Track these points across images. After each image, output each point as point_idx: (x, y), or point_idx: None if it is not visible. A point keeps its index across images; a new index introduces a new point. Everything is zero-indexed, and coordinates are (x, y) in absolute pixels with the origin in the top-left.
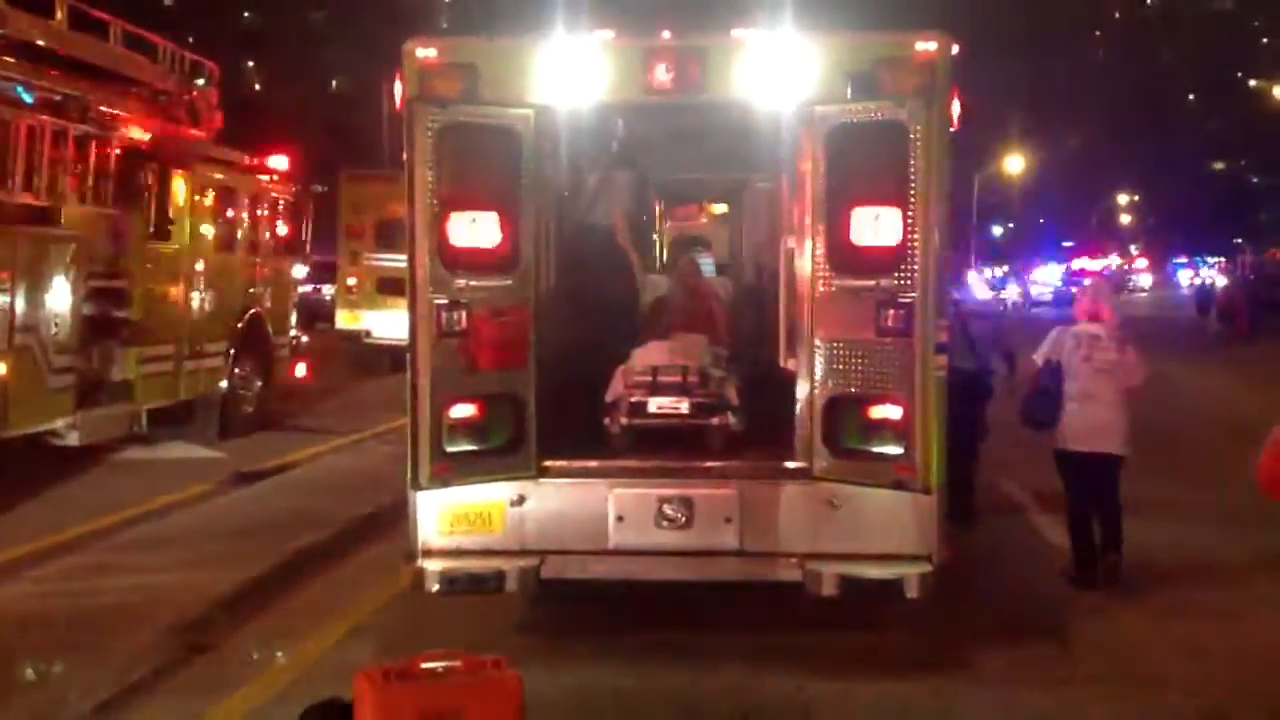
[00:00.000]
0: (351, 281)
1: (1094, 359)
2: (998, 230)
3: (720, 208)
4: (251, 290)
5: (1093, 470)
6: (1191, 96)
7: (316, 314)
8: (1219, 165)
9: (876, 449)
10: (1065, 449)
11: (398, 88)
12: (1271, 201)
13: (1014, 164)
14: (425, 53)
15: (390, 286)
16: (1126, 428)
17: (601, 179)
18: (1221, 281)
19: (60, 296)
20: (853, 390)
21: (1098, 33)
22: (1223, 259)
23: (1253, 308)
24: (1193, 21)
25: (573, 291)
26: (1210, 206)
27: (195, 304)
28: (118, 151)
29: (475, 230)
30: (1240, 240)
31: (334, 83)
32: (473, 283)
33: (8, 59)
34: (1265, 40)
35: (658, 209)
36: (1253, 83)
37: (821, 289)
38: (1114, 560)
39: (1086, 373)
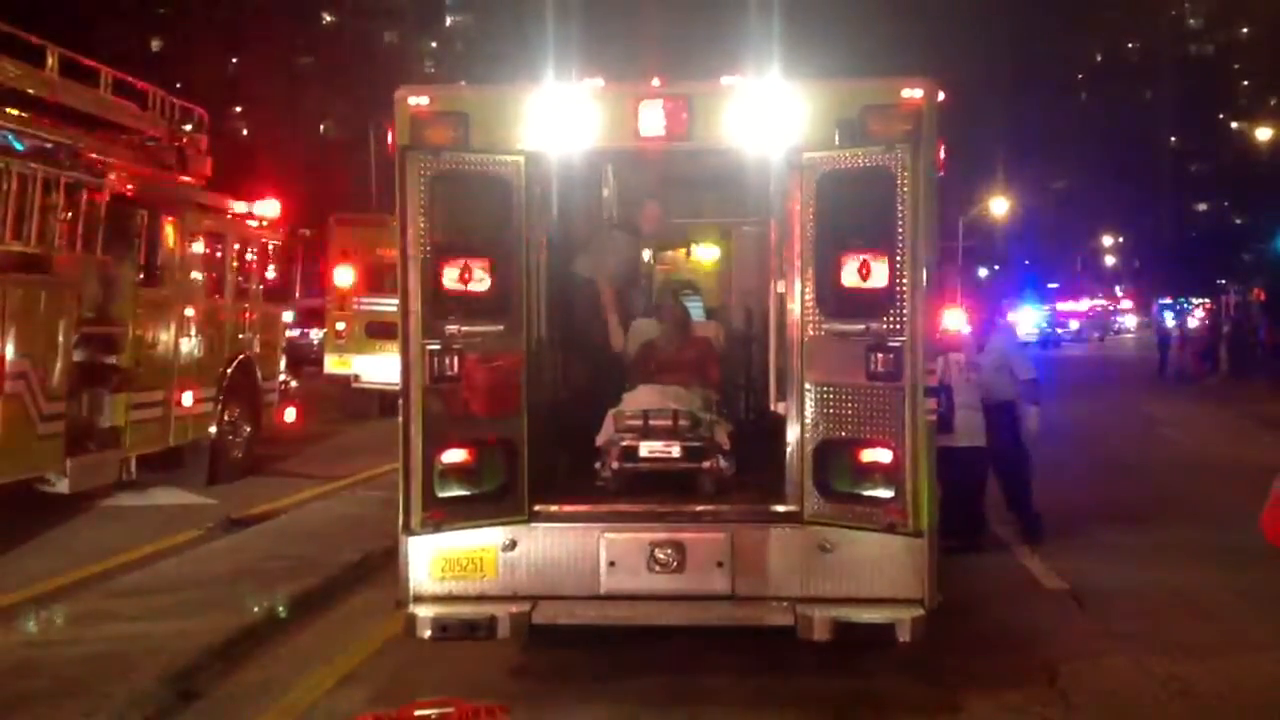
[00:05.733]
0: (340, 326)
1: (967, 376)
2: (983, 273)
3: (709, 252)
4: (240, 335)
5: (970, 459)
6: (1174, 139)
7: (305, 358)
8: (1202, 206)
9: (868, 493)
10: (957, 445)
11: (389, 135)
12: (1254, 241)
13: (999, 207)
14: (417, 101)
15: (379, 331)
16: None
17: (596, 237)
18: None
19: (50, 343)
20: (843, 434)
21: (1080, 76)
22: (1207, 300)
23: (1235, 348)
24: (1174, 65)
25: (563, 335)
26: (1194, 247)
27: (185, 350)
28: (108, 198)
29: (467, 276)
30: (1224, 281)
31: (321, 126)
32: (464, 328)
33: None
34: (1246, 83)
35: (646, 254)
36: (1234, 124)
37: (811, 333)
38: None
39: (964, 386)
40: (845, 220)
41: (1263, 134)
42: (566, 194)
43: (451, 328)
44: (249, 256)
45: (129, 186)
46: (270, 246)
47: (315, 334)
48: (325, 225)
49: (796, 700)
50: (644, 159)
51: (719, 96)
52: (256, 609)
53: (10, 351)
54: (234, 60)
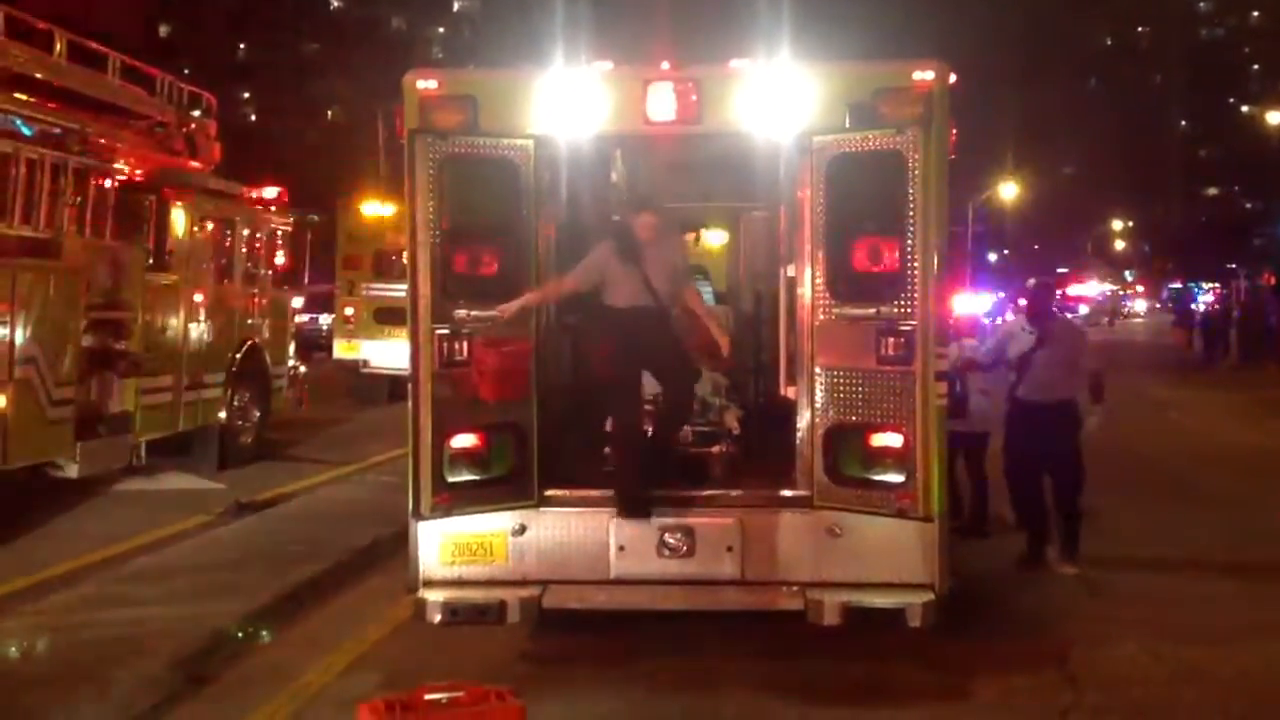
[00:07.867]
0: (349, 311)
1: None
2: (993, 257)
3: (719, 237)
4: (249, 321)
5: (978, 444)
6: (1184, 123)
7: (314, 344)
8: (1212, 191)
9: (878, 477)
10: (971, 430)
11: (398, 119)
12: (1264, 226)
13: (1009, 191)
14: (426, 85)
15: (388, 316)
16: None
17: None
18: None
19: (59, 329)
20: (853, 418)
21: (1090, 61)
22: (1217, 285)
23: (1244, 333)
24: (1184, 50)
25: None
26: (1204, 232)
27: (194, 335)
28: (116, 183)
29: (476, 260)
30: (1234, 265)
31: (329, 112)
32: (473, 313)
33: (7, 92)
34: (1256, 67)
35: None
36: (1244, 109)
37: (821, 317)
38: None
39: (976, 373)
40: (856, 204)
41: (1273, 118)
42: (575, 178)
43: (460, 312)
44: (257, 242)
45: (137, 172)
46: (279, 232)
47: (324, 319)
48: (334, 210)
49: (806, 685)
50: (653, 143)
51: (728, 80)
52: (266, 593)
53: (20, 337)
54: (241, 46)
